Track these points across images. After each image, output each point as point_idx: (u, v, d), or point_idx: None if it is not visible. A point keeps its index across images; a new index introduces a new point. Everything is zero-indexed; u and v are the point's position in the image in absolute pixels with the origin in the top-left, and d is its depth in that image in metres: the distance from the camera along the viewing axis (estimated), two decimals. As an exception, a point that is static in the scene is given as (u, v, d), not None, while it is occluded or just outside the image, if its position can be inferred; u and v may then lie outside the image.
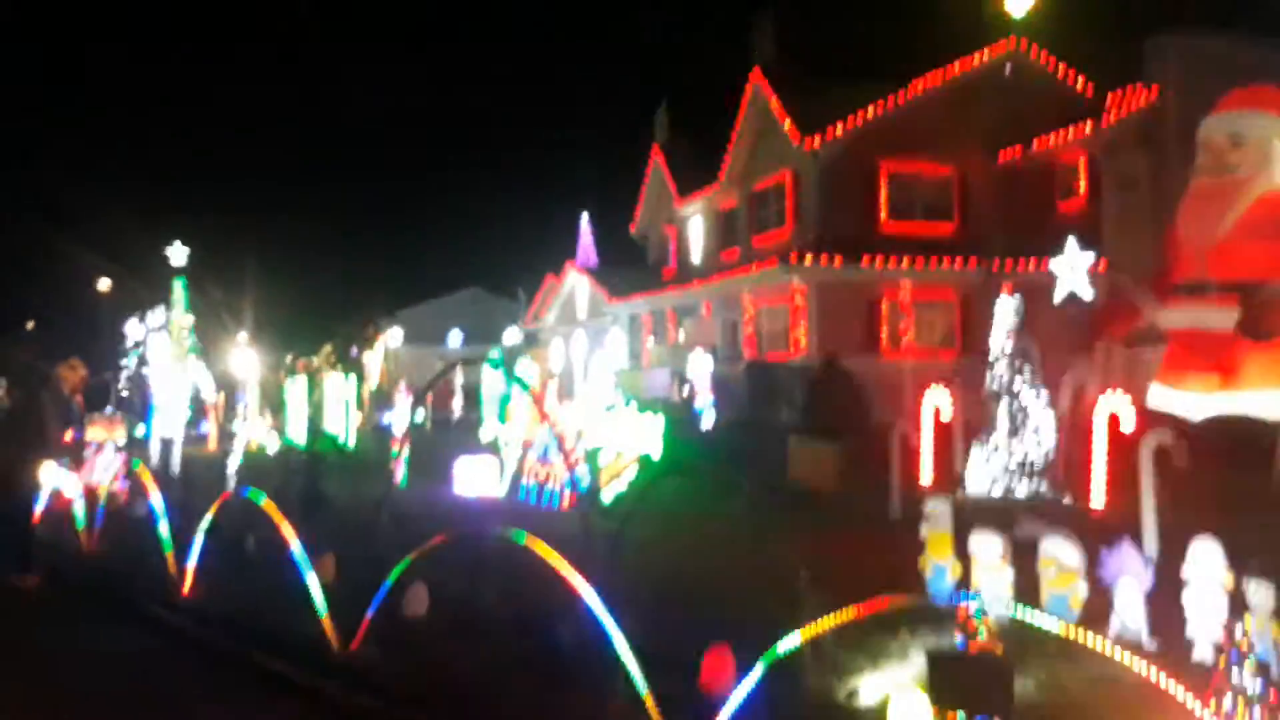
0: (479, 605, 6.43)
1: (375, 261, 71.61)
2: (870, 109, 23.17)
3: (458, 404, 25.66)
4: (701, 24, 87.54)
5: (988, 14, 23.38)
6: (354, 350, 49.14)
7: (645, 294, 28.94)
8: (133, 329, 31.92)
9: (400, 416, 13.98)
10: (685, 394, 20.86)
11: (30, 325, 55.26)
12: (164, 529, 7.95)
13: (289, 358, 43.84)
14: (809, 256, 21.42)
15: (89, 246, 48.84)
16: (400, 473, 13.93)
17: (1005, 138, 23.46)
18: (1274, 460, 10.33)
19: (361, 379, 24.73)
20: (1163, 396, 11.34)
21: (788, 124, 23.74)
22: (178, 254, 34.04)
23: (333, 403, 22.52)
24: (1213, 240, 10.73)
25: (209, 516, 7.24)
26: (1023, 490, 10.47)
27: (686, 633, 5.31)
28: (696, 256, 29.45)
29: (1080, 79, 24.34)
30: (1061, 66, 24.40)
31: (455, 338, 42.10)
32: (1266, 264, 10.48)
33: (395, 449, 13.96)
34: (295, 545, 6.13)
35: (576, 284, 33.55)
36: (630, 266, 33.57)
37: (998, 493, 10.65)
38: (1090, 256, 13.62)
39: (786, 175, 24.58)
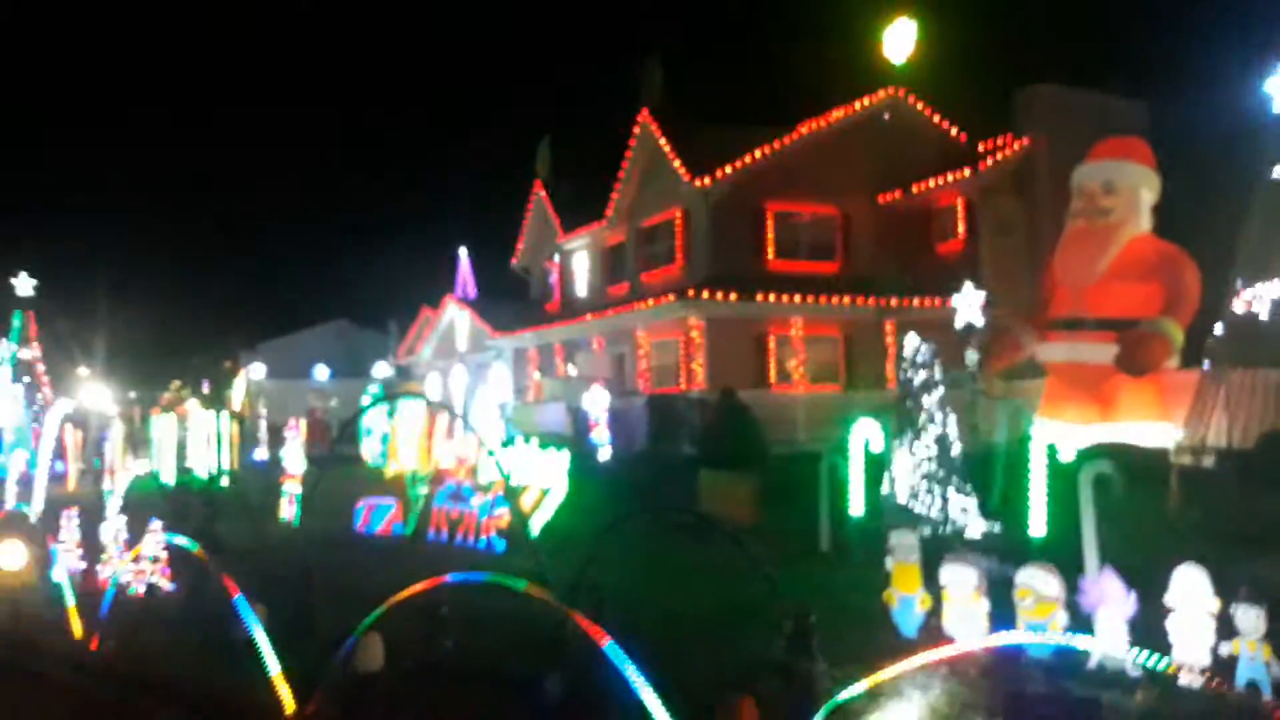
0: (437, 657, 5.94)
1: (236, 293, 68.66)
2: (758, 151, 23.58)
3: (329, 440, 24.68)
4: (581, 62, 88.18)
5: (869, 63, 24.28)
6: (205, 384, 46.89)
7: (532, 328, 28.55)
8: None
9: (292, 453, 13.15)
10: (579, 428, 20.54)
11: None
12: (61, 577, 7.14)
13: (159, 393, 41.46)
14: (705, 292, 21.52)
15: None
16: (292, 511, 13.14)
17: (886, 181, 24.24)
18: (1171, 490, 10.82)
19: (232, 415, 23.48)
20: (1043, 427, 11.79)
21: (678, 163, 23.91)
22: (23, 285, 31.81)
23: (198, 440, 21.24)
24: (1088, 280, 11.21)
25: (119, 565, 6.50)
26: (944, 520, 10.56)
27: (683, 679, 4.99)
28: (582, 291, 29.26)
29: (955, 127, 25.39)
30: (937, 115, 25.41)
31: (322, 371, 40.56)
32: (1138, 303, 11.05)
33: (283, 486, 13.15)
34: (237, 594, 5.52)
35: (456, 317, 32.83)
36: (511, 300, 33.13)
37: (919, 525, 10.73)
38: (982, 294, 15.61)
39: (676, 213, 24.72)
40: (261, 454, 24.21)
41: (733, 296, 21.69)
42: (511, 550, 10.53)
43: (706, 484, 13.75)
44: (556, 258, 30.85)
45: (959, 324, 14.81)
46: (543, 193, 31.32)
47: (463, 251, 34.11)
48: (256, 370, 40.95)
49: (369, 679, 5.64)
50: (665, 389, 22.45)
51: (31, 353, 30.38)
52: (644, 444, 19.04)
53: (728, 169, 23.26)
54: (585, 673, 5.15)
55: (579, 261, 29.70)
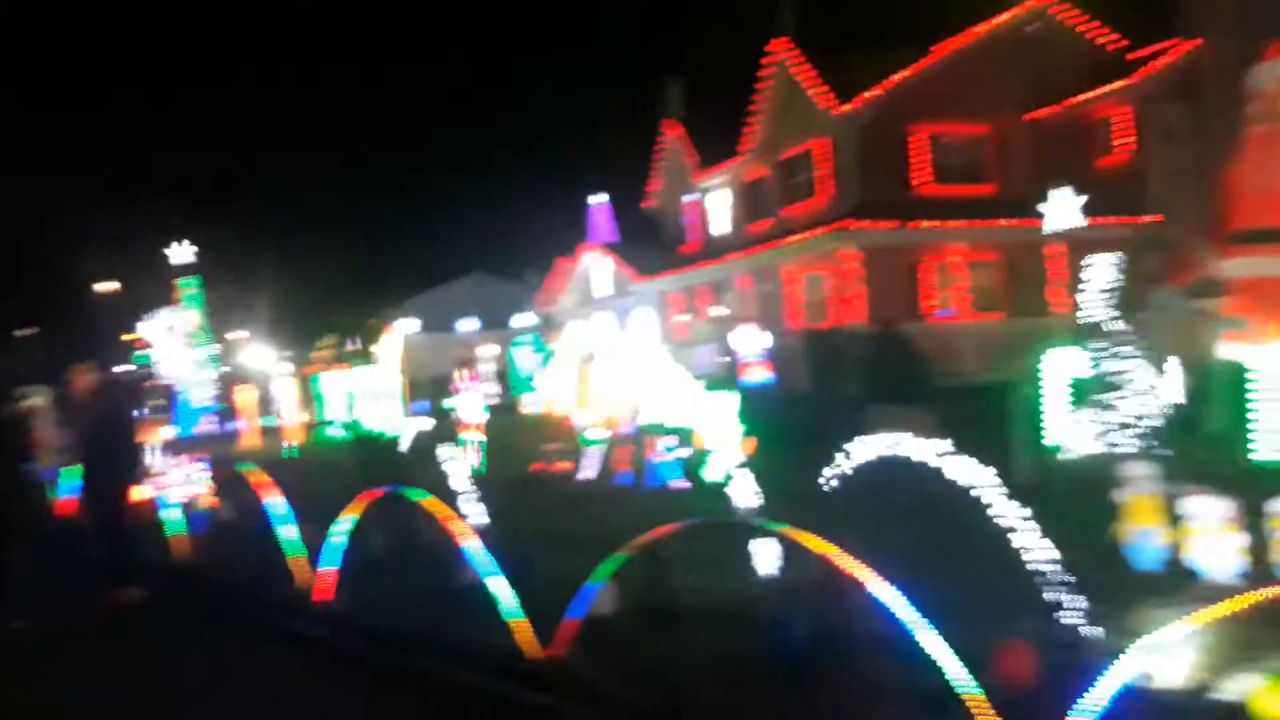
0: (670, 601, 5.92)
1: (376, 252, 70.34)
2: (901, 73, 22.68)
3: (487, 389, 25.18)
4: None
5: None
6: (353, 341, 48.45)
7: (674, 271, 28.45)
8: (145, 329, 31.31)
9: (471, 402, 13.45)
10: (731, 369, 20.42)
11: (26, 332, 54.13)
12: (289, 531, 7.45)
13: (309, 352, 43.16)
14: (859, 221, 20.98)
15: (89, 248, 48.03)
16: (477, 459, 13.47)
17: (1039, 96, 23.04)
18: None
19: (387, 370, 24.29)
20: (1230, 347, 11.04)
21: (818, 91, 23.24)
22: (183, 253, 33.34)
23: (367, 394, 21.99)
24: (1274, 187, 10.44)
25: (351, 516, 6.71)
26: (1133, 449, 10.04)
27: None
28: (722, 230, 28.93)
29: (1109, 34, 23.88)
30: (1089, 23, 23.93)
31: (469, 323, 41.47)
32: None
33: (462, 435, 13.46)
34: (473, 542, 5.61)
35: (595, 263, 32.98)
36: (647, 244, 33.03)
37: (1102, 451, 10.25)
38: (1078, 198, 15.48)
39: (818, 143, 24.08)
40: (422, 407, 24.93)
41: (888, 224, 21.07)
42: (696, 492, 10.53)
43: (877, 421, 13.46)
44: (692, 198, 30.55)
45: (1046, 229, 14.54)
46: (675, 132, 30.97)
47: (601, 197, 34.10)
48: (410, 325, 42.20)
49: (605, 623, 5.67)
50: (817, 325, 22.08)
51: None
52: (803, 382, 18.78)
53: (872, 93, 22.48)
54: (828, 617, 5.07)
55: (717, 200, 29.34)
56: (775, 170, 26.14)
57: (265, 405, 24.03)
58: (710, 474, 10.65)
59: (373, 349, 41.79)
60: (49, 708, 5.97)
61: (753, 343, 19.61)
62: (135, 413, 11.17)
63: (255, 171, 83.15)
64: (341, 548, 6.71)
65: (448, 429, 14.76)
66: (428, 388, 25.84)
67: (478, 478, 12.39)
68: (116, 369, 26.02)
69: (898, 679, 4.32)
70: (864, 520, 5.65)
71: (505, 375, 26.51)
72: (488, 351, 32.85)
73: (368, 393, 22.50)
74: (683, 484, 10.94)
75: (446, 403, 16.62)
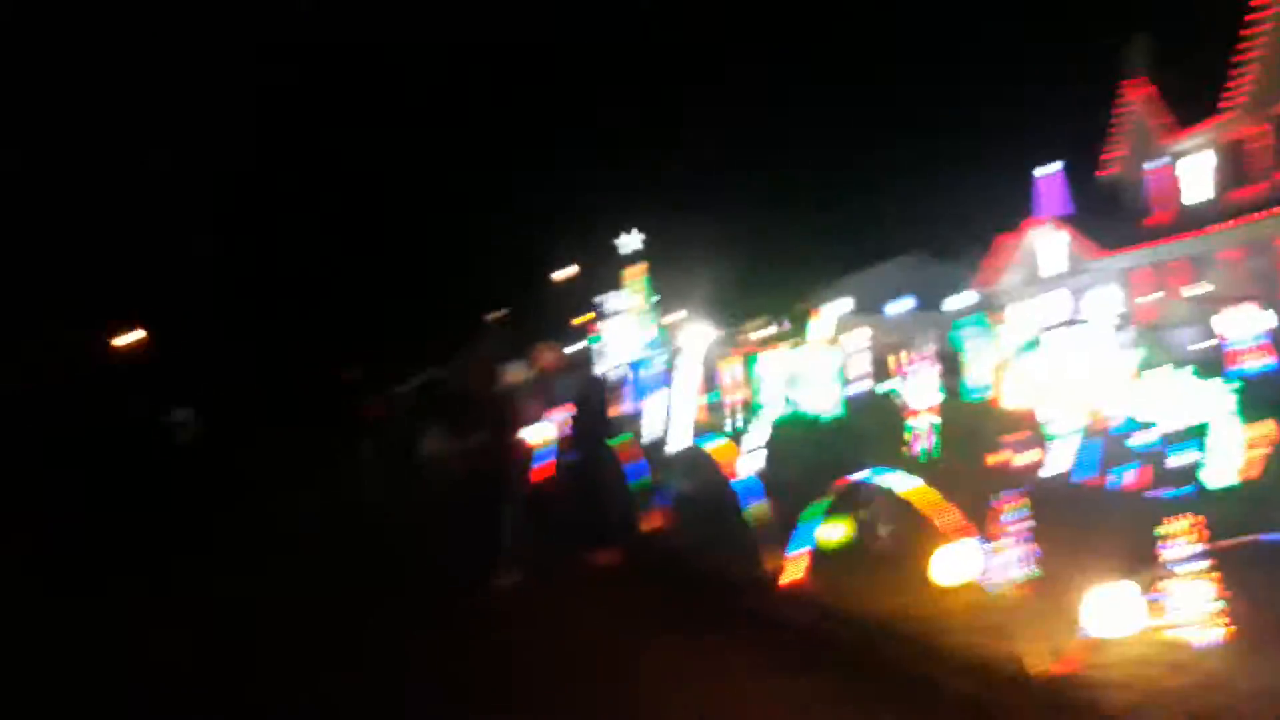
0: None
1: (809, 232, 70.34)
2: None
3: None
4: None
5: None
6: (782, 323, 49.09)
7: (1142, 245, 25.67)
8: (598, 311, 33.99)
9: (923, 385, 12.90)
10: (1219, 355, 17.89)
11: (497, 315, 60.92)
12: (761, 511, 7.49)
13: (738, 333, 44.75)
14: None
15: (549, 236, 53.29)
16: (930, 443, 12.89)
17: None
18: None
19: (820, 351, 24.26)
20: None
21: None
22: (632, 241, 35.72)
23: (806, 377, 22.10)
24: None
25: (824, 500, 6.59)
26: None
27: None
28: (1199, 198, 25.52)
29: None
30: None
31: (903, 305, 40.52)
32: None
33: (910, 421, 12.94)
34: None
35: (1045, 239, 30.66)
36: (1105, 217, 30.05)
37: None
38: None
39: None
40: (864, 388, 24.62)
41: None
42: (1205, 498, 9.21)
43: None
44: (1160, 164, 27.24)
45: None
46: (1140, 93, 27.76)
47: (1051, 167, 31.55)
48: (843, 305, 42.18)
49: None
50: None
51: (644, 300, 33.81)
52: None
53: None
54: None
55: (1193, 165, 25.92)
56: (1270, 128, 22.54)
57: (708, 385, 25.00)
58: (1213, 477, 9.27)
59: (808, 330, 42.20)
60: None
61: (1249, 324, 17.02)
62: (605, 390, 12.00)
63: (690, 151, 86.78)
64: (811, 531, 6.60)
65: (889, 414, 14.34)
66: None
67: (930, 464, 11.97)
68: (573, 349, 28.50)
69: None
70: None
71: (948, 359, 25.37)
72: (928, 333, 31.84)
73: (802, 375, 22.69)
74: (1179, 489, 9.63)
75: (883, 386, 16.18)
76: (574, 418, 9.57)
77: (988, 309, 34.81)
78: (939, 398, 12.91)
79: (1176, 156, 26.43)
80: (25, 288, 37.03)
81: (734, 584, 7.40)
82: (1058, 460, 11.23)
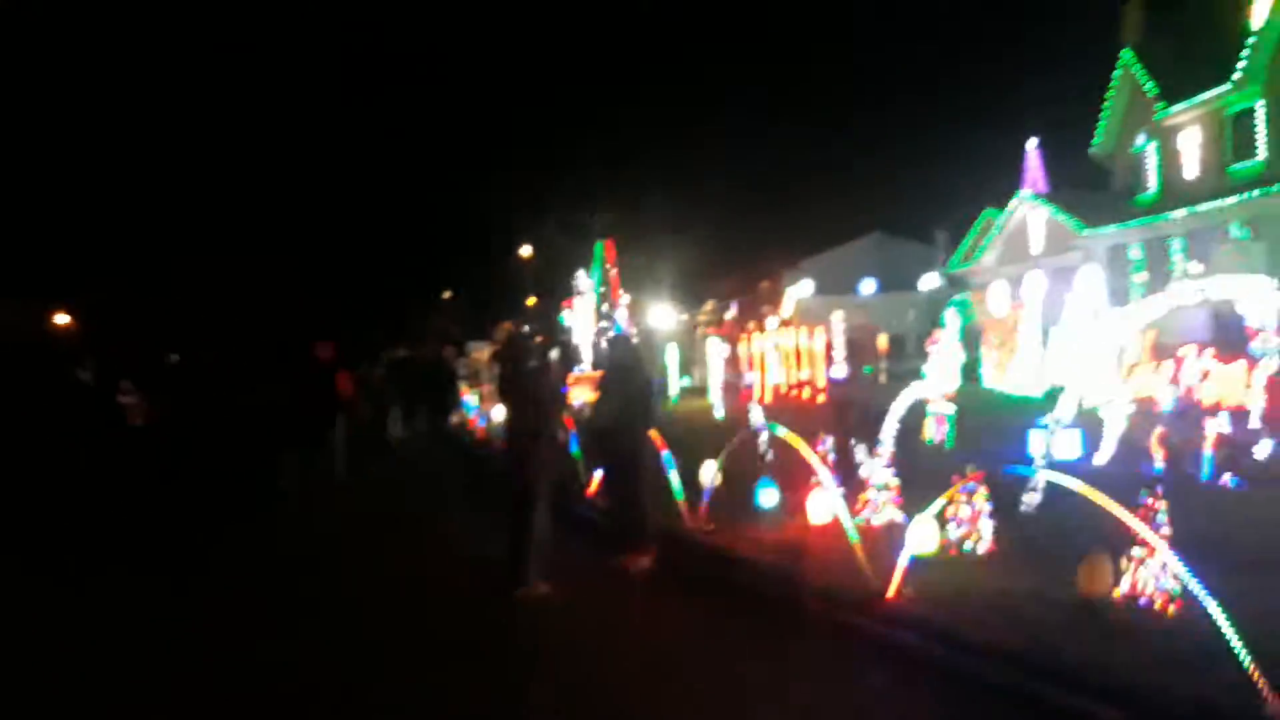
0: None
1: (773, 214, 68.92)
2: None
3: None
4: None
5: None
6: (733, 306, 47.77)
7: (1133, 221, 24.56)
8: (565, 291, 32.54)
9: (942, 369, 11.58)
10: (1229, 336, 16.84)
11: (448, 294, 59.23)
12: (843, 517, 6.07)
13: (697, 314, 43.37)
14: None
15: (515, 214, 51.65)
16: (943, 432, 11.61)
17: None
18: None
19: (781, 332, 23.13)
20: None
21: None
22: (594, 223, 34.28)
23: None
24: None
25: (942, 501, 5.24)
26: None
27: None
28: (1194, 172, 24.41)
29: None
30: None
31: (868, 286, 39.31)
32: None
33: (929, 407, 11.59)
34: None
35: (1026, 215, 29.54)
36: (1091, 192, 29.02)
37: None
38: None
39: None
40: (839, 371, 23.39)
41: None
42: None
43: None
44: (1155, 137, 26.12)
45: None
46: (1132, 63, 26.61)
47: (1031, 142, 30.40)
48: (805, 287, 40.95)
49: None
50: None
51: (609, 277, 32.40)
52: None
53: None
54: None
55: (1188, 138, 24.81)
56: (1264, 101, 21.53)
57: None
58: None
59: (764, 311, 40.98)
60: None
61: (1261, 304, 15.92)
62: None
63: (652, 130, 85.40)
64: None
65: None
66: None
67: (937, 452, 10.66)
68: (529, 328, 26.91)
69: None
70: None
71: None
72: (892, 315, 30.80)
73: (768, 355, 21.39)
74: (1233, 481, 8.40)
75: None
76: (601, 400, 8.17)
77: (955, 289, 33.77)
78: (954, 384, 11.57)
79: (1168, 131, 25.36)
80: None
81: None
82: (1104, 446, 9.96)
